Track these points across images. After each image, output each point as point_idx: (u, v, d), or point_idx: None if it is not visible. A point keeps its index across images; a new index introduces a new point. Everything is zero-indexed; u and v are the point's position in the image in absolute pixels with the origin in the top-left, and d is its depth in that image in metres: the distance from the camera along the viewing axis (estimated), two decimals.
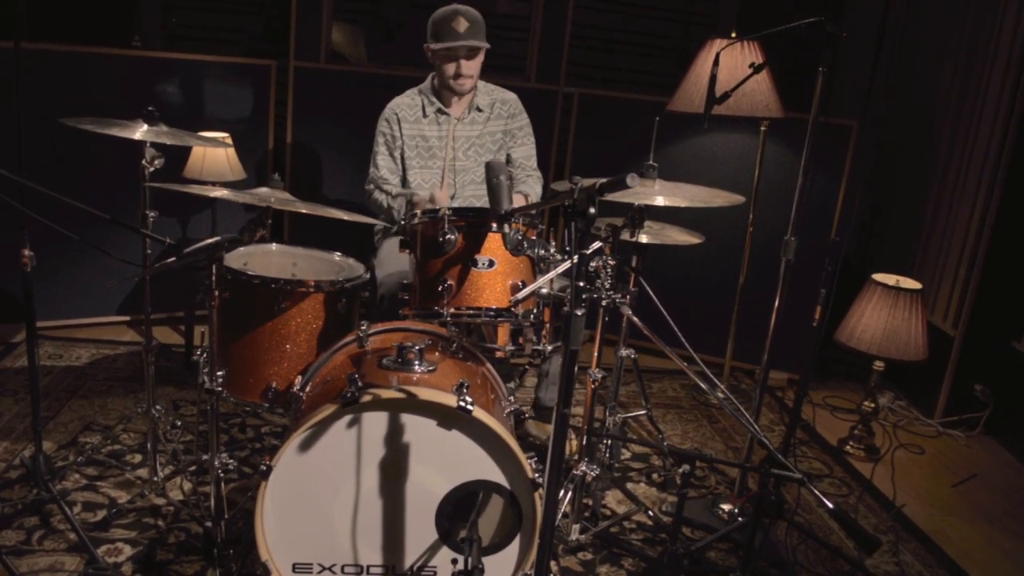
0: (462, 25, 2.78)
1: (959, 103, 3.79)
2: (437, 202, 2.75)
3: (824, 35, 2.20)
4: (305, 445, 1.89)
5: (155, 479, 2.52)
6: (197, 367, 2.36)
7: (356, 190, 3.09)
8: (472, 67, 2.87)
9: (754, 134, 3.43)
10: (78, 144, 3.16)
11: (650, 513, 2.67)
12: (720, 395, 2.28)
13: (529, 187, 3.08)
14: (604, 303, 2.19)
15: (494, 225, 2.12)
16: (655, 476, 2.94)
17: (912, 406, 3.81)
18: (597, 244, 2.19)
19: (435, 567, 1.98)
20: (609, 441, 2.59)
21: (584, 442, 2.43)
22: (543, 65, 4.03)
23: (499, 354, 2.22)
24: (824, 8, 3.43)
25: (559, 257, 2.18)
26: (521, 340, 2.21)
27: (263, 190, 2.40)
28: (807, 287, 2.61)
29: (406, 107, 2.97)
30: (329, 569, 1.97)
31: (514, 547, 1.98)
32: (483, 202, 2.95)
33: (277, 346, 2.30)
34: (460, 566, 1.90)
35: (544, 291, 2.10)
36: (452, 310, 2.11)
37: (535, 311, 2.15)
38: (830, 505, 1.97)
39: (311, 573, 1.96)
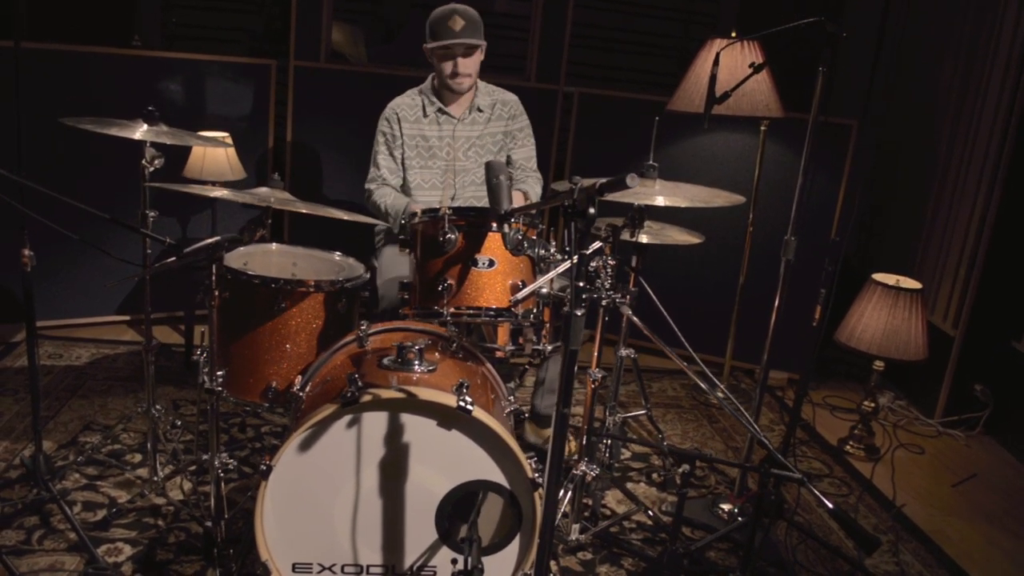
0: (458, 24, 2.79)
1: (959, 103, 3.78)
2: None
3: (824, 35, 2.20)
4: (305, 445, 1.89)
5: (155, 479, 2.52)
6: (197, 367, 2.36)
7: (356, 190, 3.09)
8: (469, 65, 2.87)
9: (754, 134, 3.44)
10: (78, 144, 3.16)
11: (650, 513, 2.67)
12: (720, 395, 2.28)
13: (529, 187, 3.08)
14: (604, 303, 2.19)
15: (494, 225, 2.12)
16: (655, 476, 2.94)
17: (912, 406, 3.81)
18: (597, 244, 2.19)
19: (435, 567, 1.98)
20: (609, 441, 2.59)
21: (584, 442, 2.43)
22: (543, 65, 4.03)
23: (499, 354, 2.22)
24: (824, 8, 3.42)
25: (559, 257, 2.18)
26: (521, 340, 2.21)
27: (263, 190, 2.40)
28: (807, 287, 2.61)
29: (406, 107, 2.97)
30: (329, 569, 1.97)
31: (514, 547, 1.98)
32: (483, 203, 2.95)
33: (277, 346, 2.30)
34: (460, 566, 1.90)
35: (544, 291, 2.10)
36: (452, 310, 2.11)
37: (535, 311, 2.15)
38: (830, 505, 1.97)
39: (311, 573, 1.96)
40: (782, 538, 2.61)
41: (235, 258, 2.44)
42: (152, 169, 2.36)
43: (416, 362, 2.02)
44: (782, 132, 3.49)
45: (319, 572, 1.97)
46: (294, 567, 1.95)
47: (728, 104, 2.47)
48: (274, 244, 2.63)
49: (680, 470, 2.46)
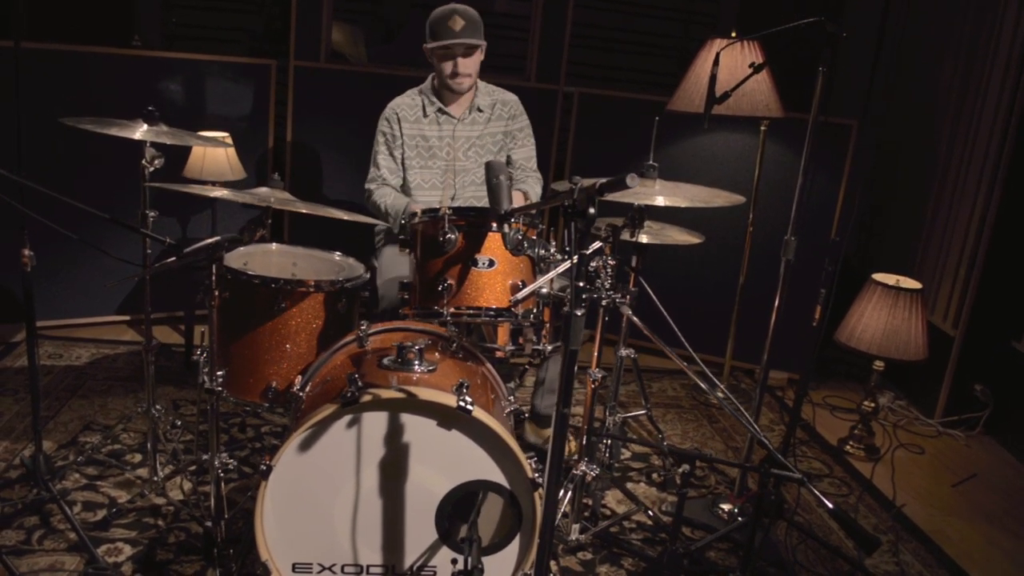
0: (458, 24, 2.79)
1: (959, 103, 3.78)
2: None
3: (824, 35, 2.20)
4: (305, 445, 1.89)
5: (155, 479, 2.52)
6: (197, 367, 2.36)
7: (356, 190, 3.09)
8: (469, 65, 2.87)
9: (754, 134, 3.43)
10: (78, 144, 3.16)
11: (650, 513, 2.66)
12: (720, 395, 2.28)
13: (529, 187, 3.08)
14: (604, 303, 2.19)
15: (494, 225, 2.12)
16: (655, 476, 2.94)
17: (912, 406, 3.81)
18: (597, 244, 2.19)
19: (435, 567, 1.98)
20: (609, 441, 2.59)
21: (584, 442, 2.43)
22: (543, 65, 4.03)
23: (499, 354, 2.22)
24: (824, 8, 3.42)
25: (559, 257, 2.18)
26: (521, 340, 2.21)
27: (263, 190, 2.40)
28: (807, 287, 2.61)
29: (407, 107, 2.97)
30: (329, 569, 1.97)
31: (514, 547, 1.98)
32: (483, 203, 2.95)
33: (277, 346, 2.30)
34: (460, 566, 1.90)
35: (544, 291, 2.10)
36: (452, 310, 2.11)
37: (535, 311, 2.15)
38: (830, 505, 1.97)
39: (311, 573, 1.96)
40: (782, 538, 2.61)
41: (235, 258, 2.44)
42: (152, 169, 2.36)
43: (416, 362, 2.02)
44: (782, 132, 3.49)
45: (319, 572, 1.97)
46: (294, 567, 1.95)
47: (728, 104, 2.47)
48: (274, 244, 2.63)
49: (680, 470, 2.46)
